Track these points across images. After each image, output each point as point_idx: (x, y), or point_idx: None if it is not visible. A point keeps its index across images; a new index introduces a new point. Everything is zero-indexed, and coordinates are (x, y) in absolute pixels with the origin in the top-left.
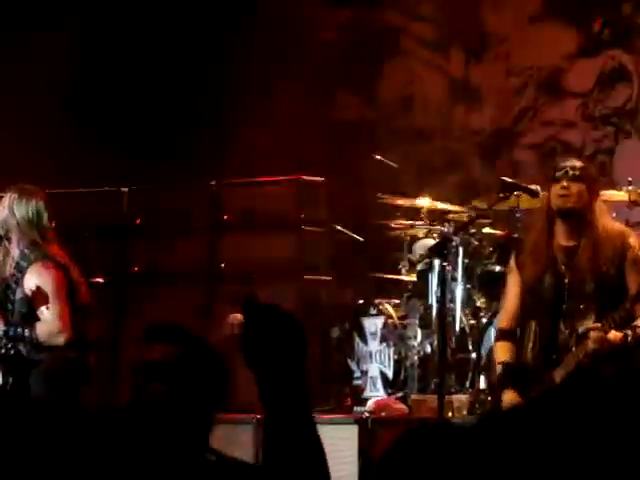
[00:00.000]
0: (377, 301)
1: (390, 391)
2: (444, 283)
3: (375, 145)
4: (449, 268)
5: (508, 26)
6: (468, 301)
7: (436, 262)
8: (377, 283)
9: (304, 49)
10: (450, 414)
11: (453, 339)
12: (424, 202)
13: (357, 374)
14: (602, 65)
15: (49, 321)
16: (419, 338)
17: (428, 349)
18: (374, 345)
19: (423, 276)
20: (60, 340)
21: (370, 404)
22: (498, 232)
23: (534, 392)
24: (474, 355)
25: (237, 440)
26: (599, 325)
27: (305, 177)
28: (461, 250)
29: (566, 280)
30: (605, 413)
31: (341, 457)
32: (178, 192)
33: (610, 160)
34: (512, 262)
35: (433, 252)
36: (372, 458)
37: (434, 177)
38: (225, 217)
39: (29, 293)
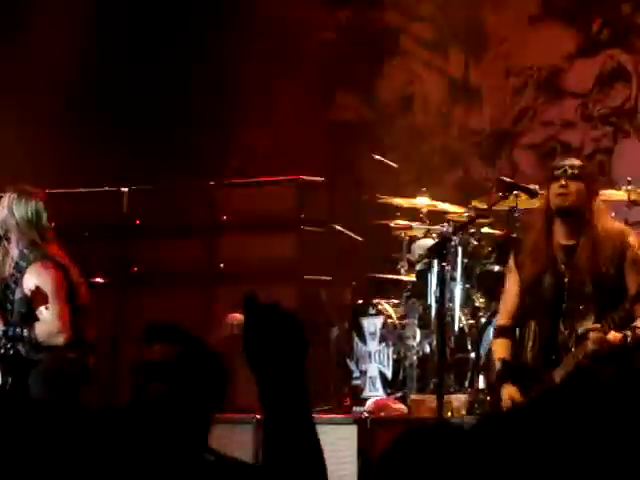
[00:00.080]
0: (376, 301)
1: (389, 391)
2: (443, 283)
3: (375, 145)
4: (448, 268)
5: (508, 26)
6: (467, 301)
7: (435, 262)
8: (376, 283)
9: (304, 49)
10: (449, 414)
11: (452, 339)
12: (423, 202)
13: (356, 374)
14: (601, 65)
15: (48, 321)
16: (418, 338)
17: (427, 349)
18: (373, 345)
19: (422, 276)
20: (59, 340)
21: (369, 404)
22: (497, 232)
23: (534, 392)
24: (473, 355)
25: (237, 440)
26: (599, 326)
27: (305, 177)
28: (460, 250)
29: (566, 280)
30: (604, 414)
31: (340, 457)
32: (178, 192)
33: (609, 160)
34: (511, 262)
35: (432, 252)
36: (371, 458)
37: (434, 177)
38: (225, 217)
39: (28, 293)
